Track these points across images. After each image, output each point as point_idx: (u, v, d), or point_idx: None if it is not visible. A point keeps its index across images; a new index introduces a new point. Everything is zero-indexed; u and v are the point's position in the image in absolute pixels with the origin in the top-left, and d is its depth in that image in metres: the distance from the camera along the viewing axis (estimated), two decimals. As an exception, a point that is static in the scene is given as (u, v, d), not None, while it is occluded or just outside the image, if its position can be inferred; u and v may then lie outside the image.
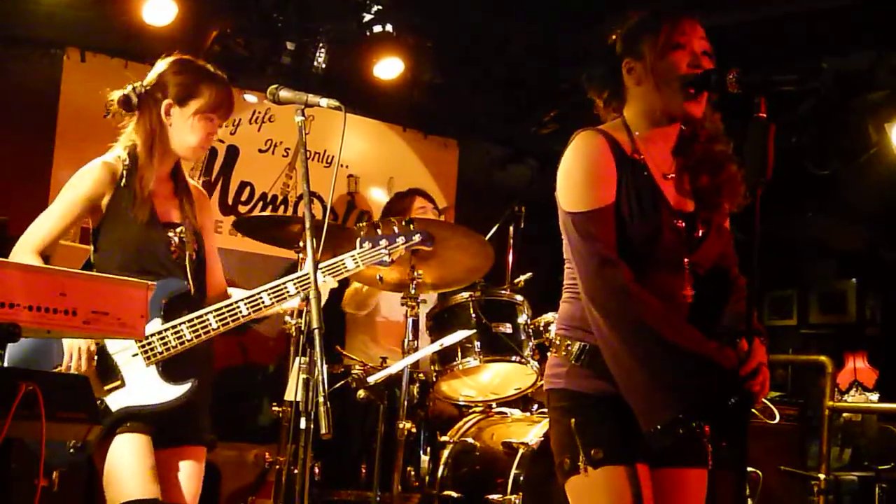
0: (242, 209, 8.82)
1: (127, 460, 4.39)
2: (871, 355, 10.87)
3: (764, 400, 3.72)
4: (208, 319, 4.57)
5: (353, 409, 6.29)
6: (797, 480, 8.02)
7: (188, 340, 4.52)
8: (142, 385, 4.47)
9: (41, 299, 3.17)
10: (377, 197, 9.35)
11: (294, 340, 6.14)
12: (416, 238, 5.06)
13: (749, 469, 6.73)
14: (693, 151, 3.83)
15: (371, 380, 5.90)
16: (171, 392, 4.50)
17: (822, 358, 8.18)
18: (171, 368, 4.53)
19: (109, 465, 4.40)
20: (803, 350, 11.29)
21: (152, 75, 4.80)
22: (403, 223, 5.09)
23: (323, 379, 3.73)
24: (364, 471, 6.27)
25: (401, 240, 5.00)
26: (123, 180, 4.64)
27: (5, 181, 7.30)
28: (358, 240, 4.85)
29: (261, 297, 4.68)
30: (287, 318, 6.11)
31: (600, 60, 3.93)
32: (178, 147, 4.78)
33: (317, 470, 6.05)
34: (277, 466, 6.14)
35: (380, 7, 8.29)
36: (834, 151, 9.32)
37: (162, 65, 4.82)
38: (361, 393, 5.95)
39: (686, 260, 3.76)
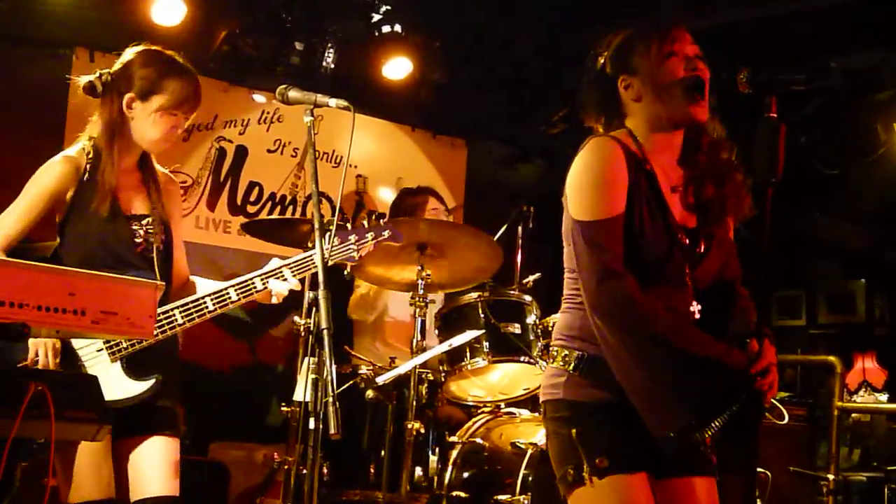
0: (251, 209, 8.83)
1: (83, 459, 4.38)
2: (880, 355, 10.87)
3: (773, 400, 3.69)
4: (174, 315, 4.53)
5: (361, 410, 6.29)
6: (806, 481, 8.01)
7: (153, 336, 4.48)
8: (106, 381, 4.37)
9: (50, 299, 3.17)
10: (385, 197, 9.35)
11: (303, 341, 6.14)
12: (386, 234, 5.03)
13: (758, 469, 6.72)
14: (698, 162, 3.80)
15: (380, 380, 5.91)
16: (136, 388, 4.47)
17: (831, 358, 8.17)
18: (135, 364, 4.49)
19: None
20: (812, 350, 11.25)
21: (118, 65, 4.71)
22: (374, 218, 5.07)
23: (332, 379, 3.73)
24: (372, 471, 6.27)
25: (370, 235, 4.97)
26: (87, 175, 4.58)
27: (14, 181, 7.29)
28: (327, 235, 4.78)
29: (227, 294, 4.65)
30: (296, 319, 6.13)
31: (591, 86, 3.89)
32: (140, 140, 4.68)
33: (325, 470, 6.05)
34: (286, 466, 6.14)
35: (388, 7, 8.30)
36: (842, 151, 9.31)
37: (129, 54, 4.72)
38: (370, 393, 5.97)
39: (688, 276, 3.74)
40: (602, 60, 3.83)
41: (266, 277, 4.71)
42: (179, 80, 4.68)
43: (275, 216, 8.80)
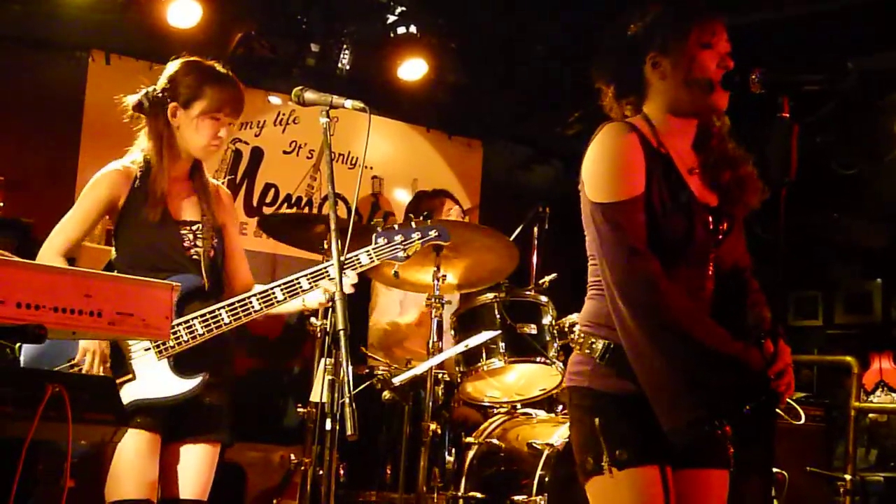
0: (267, 210, 8.85)
1: (127, 458, 4.49)
2: (897, 356, 10.85)
3: (789, 400, 3.68)
4: (220, 314, 4.62)
5: (377, 411, 6.29)
6: (823, 481, 8.00)
7: (200, 335, 4.57)
8: (153, 378, 4.53)
9: (66, 301, 3.18)
10: (401, 198, 9.36)
11: (319, 342, 6.15)
12: (433, 234, 4.99)
13: (775, 470, 6.71)
14: (711, 147, 3.81)
15: (396, 381, 5.91)
16: (182, 386, 4.56)
17: (848, 358, 8.16)
18: (182, 363, 4.59)
19: (113, 459, 4.51)
20: (829, 351, 11.24)
21: (163, 79, 4.87)
22: (421, 218, 5.05)
23: (348, 380, 3.74)
24: (389, 472, 6.27)
25: (416, 235, 4.93)
26: (138, 182, 4.74)
27: (31, 183, 7.34)
28: (373, 235, 4.83)
29: (273, 293, 4.70)
30: (312, 320, 6.14)
31: (614, 53, 3.89)
32: (187, 147, 4.84)
33: (342, 471, 6.05)
34: (303, 467, 6.14)
35: (404, 8, 8.30)
36: (859, 151, 9.30)
37: (171, 68, 4.89)
38: (386, 394, 5.96)
39: (711, 254, 3.74)
40: (634, 29, 3.81)
41: (314, 278, 4.75)
42: (218, 84, 4.83)
43: (292, 212, 8.84)
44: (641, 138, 3.67)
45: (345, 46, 8.46)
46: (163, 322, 3.42)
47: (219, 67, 4.91)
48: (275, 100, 8.83)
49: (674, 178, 3.69)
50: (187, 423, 4.70)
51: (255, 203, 8.83)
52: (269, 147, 8.89)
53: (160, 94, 4.83)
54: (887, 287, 11.30)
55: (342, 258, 4.67)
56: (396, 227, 4.93)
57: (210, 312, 4.61)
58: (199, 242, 4.81)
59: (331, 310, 3.95)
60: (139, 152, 4.84)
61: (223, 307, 4.64)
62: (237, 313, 4.65)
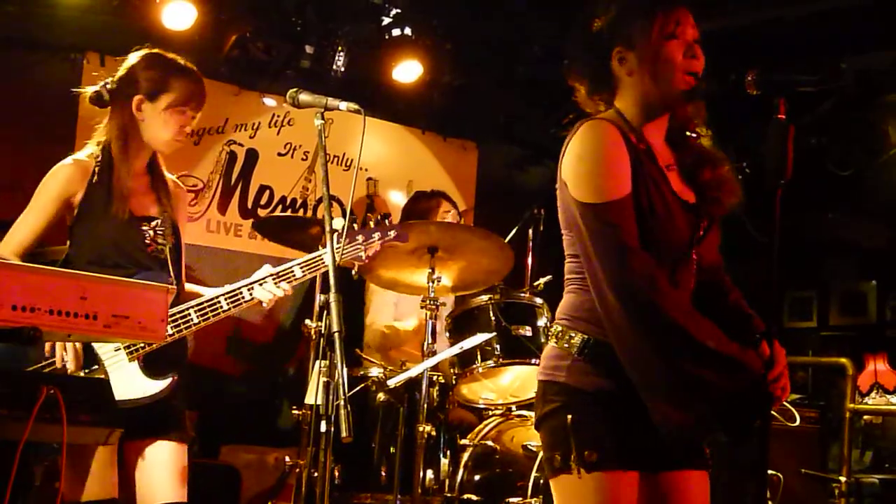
0: (262, 212, 8.85)
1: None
2: (892, 357, 10.83)
3: (784, 402, 3.65)
4: (189, 314, 4.61)
5: (372, 413, 6.28)
6: (818, 483, 7.99)
7: (169, 335, 4.52)
8: (124, 379, 4.50)
9: (62, 303, 3.18)
10: (396, 200, 9.36)
11: (314, 344, 6.14)
12: (391, 234, 5.10)
13: (770, 472, 6.71)
14: (690, 146, 3.79)
15: (391, 383, 5.91)
16: (153, 387, 4.56)
17: (843, 360, 8.15)
18: (152, 363, 4.57)
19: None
20: (823, 352, 11.24)
21: (122, 71, 4.81)
22: (380, 217, 5.11)
23: (343, 382, 3.73)
24: (384, 474, 6.26)
25: (376, 235, 5.04)
26: (95, 177, 4.67)
27: (25, 186, 7.31)
28: (336, 235, 4.87)
29: (241, 293, 4.72)
30: (307, 322, 6.14)
31: (582, 49, 3.85)
32: (152, 141, 4.78)
33: (336, 473, 6.04)
34: (298, 470, 6.14)
35: (398, 10, 8.30)
36: (855, 151, 9.31)
37: (131, 59, 4.83)
38: (381, 396, 5.96)
39: (693, 252, 3.71)
40: (599, 24, 3.78)
41: (279, 278, 4.78)
42: (184, 77, 4.80)
43: (285, 215, 8.84)
44: (623, 135, 3.63)
45: (340, 48, 8.46)
46: (158, 324, 3.43)
47: (180, 60, 4.86)
48: (269, 101, 8.83)
49: (655, 174, 3.65)
50: (153, 423, 4.66)
51: (249, 205, 8.83)
52: (263, 149, 8.89)
53: (120, 87, 4.78)
54: (882, 288, 11.31)
55: (304, 257, 4.76)
56: (356, 227, 4.99)
57: (179, 312, 4.61)
58: (159, 239, 4.76)
59: (325, 312, 3.94)
60: (95, 146, 4.78)
61: (192, 307, 4.63)
62: (206, 313, 4.64)
